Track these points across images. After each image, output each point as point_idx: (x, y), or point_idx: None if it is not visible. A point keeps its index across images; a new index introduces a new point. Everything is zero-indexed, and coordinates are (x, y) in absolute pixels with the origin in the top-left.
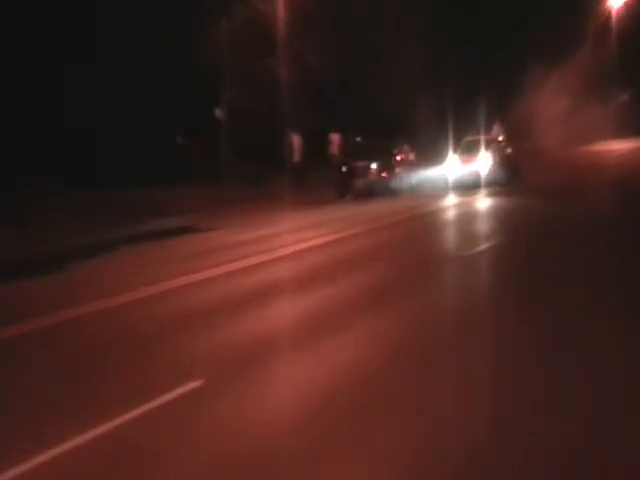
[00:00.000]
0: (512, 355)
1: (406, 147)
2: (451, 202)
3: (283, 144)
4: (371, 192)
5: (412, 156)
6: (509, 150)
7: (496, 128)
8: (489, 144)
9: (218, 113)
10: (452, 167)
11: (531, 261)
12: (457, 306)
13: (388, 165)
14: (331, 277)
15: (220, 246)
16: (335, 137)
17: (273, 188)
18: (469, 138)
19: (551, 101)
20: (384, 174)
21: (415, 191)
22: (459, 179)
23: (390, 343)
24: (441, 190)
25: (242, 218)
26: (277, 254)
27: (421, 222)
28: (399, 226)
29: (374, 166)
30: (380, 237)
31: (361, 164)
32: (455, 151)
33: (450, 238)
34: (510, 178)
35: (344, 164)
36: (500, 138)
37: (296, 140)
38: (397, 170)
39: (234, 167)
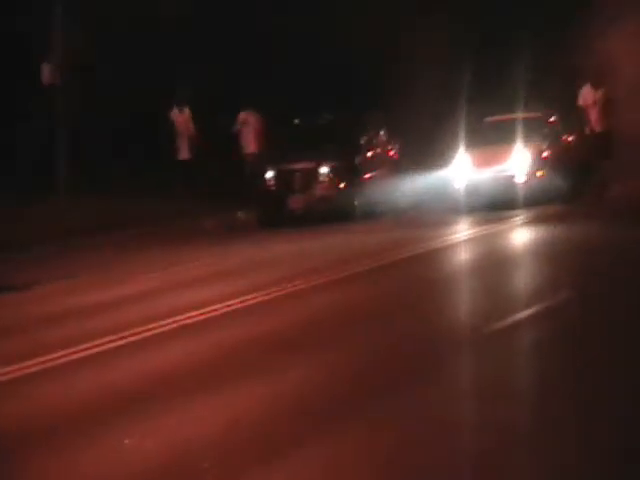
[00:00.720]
0: None
1: (383, 134)
2: (464, 234)
3: (161, 127)
4: (321, 215)
5: (393, 150)
6: (569, 138)
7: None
8: (531, 129)
9: (47, 74)
10: (465, 171)
11: (611, 346)
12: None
13: (350, 167)
14: (234, 384)
15: (47, 317)
16: (249, 117)
17: (144, 204)
18: (494, 119)
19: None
20: (343, 184)
21: (399, 214)
22: (478, 191)
23: None
24: (446, 212)
25: (96, 259)
26: (146, 333)
27: (411, 270)
28: (370, 278)
29: (324, 170)
30: (336, 299)
31: (301, 167)
32: (469, 143)
33: (463, 299)
34: (572, 187)
35: (270, 168)
36: (552, 119)
37: (181, 120)
38: (368, 175)
39: (79, 168)
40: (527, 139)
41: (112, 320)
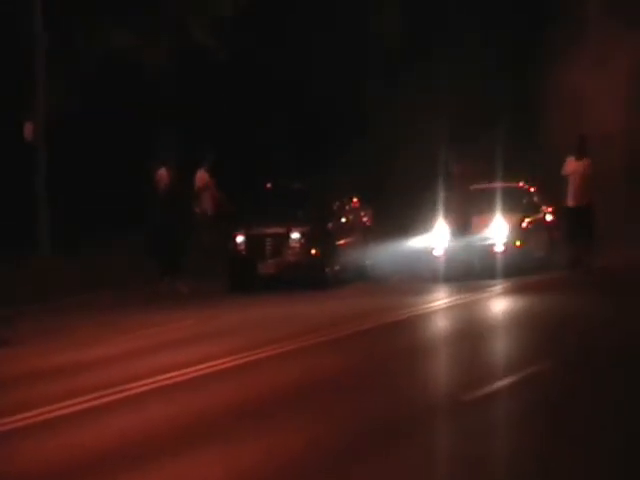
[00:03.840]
0: None
1: (356, 200)
2: (441, 302)
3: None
4: (292, 281)
5: (366, 216)
6: (549, 209)
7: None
8: (511, 198)
9: (29, 132)
10: (444, 238)
11: (589, 417)
12: None
13: (322, 233)
14: (203, 448)
15: (16, 377)
16: (202, 177)
17: (129, 263)
18: (474, 187)
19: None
20: (314, 250)
21: (374, 280)
22: (456, 259)
23: None
24: (423, 279)
25: (76, 319)
26: (117, 395)
27: (387, 340)
28: (340, 346)
29: (296, 235)
30: (306, 368)
31: (272, 232)
32: (448, 210)
33: (441, 368)
34: (550, 258)
35: (241, 232)
36: (532, 189)
37: (163, 178)
38: (340, 242)
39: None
40: (507, 208)
41: (75, 383)
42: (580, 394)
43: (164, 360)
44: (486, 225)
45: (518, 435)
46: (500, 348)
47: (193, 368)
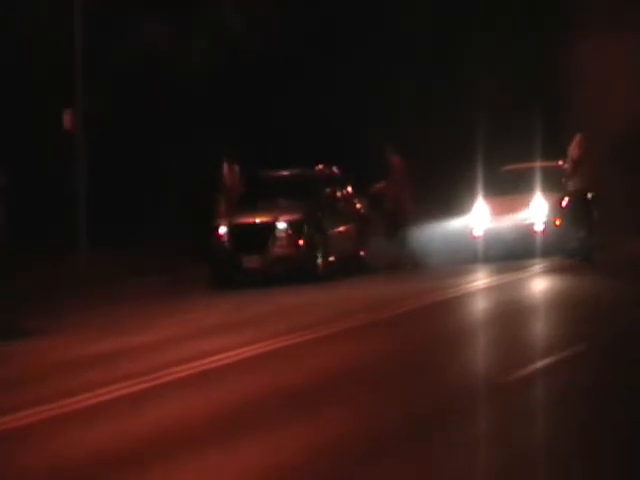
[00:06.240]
0: None
1: (349, 189)
2: (480, 283)
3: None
4: (280, 275)
5: (360, 204)
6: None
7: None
8: (549, 177)
9: (68, 121)
10: (483, 219)
11: (627, 400)
12: None
13: (311, 222)
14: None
15: (58, 365)
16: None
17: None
18: (512, 167)
19: None
20: (302, 240)
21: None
22: (496, 240)
23: None
24: (461, 261)
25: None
26: (162, 379)
27: (425, 323)
28: (382, 331)
29: (282, 225)
30: (348, 353)
31: (256, 221)
32: (487, 191)
33: (479, 351)
34: (590, 237)
35: (224, 222)
36: (564, 164)
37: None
38: (335, 231)
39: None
40: (546, 187)
41: (116, 370)
42: (616, 376)
43: (203, 346)
44: (526, 205)
45: (555, 419)
46: (537, 329)
47: (231, 353)
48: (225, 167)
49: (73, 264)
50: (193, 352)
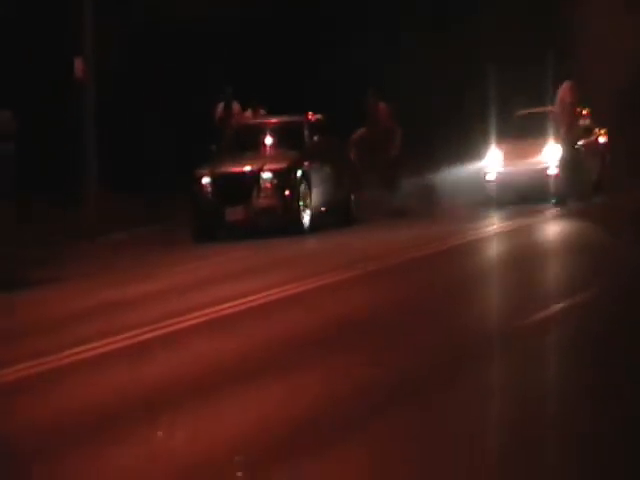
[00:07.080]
0: None
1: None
2: (494, 227)
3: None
4: (264, 228)
5: (353, 154)
6: (600, 131)
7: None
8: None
9: (79, 69)
10: (497, 164)
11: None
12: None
13: (299, 169)
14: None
15: (71, 312)
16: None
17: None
18: (525, 112)
19: None
20: (288, 191)
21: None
22: (510, 184)
23: None
24: (475, 206)
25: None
26: (174, 327)
27: (439, 267)
28: (396, 276)
29: (267, 175)
30: (367, 296)
31: (240, 170)
32: (500, 136)
33: (492, 296)
34: (602, 183)
35: (206, 172)
36: (584, 112)
37: (383, 111)
38: (324, 181)
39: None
40: (559, 134)
41: (141, 314)
42: (625, 323)
43: (217, 292)
44: (540, 149)
45: (565, 365)
46: (549, 274)
47: (251, 297)
48: (219, 107)
49: (80, 214)
50: (195, 302)
